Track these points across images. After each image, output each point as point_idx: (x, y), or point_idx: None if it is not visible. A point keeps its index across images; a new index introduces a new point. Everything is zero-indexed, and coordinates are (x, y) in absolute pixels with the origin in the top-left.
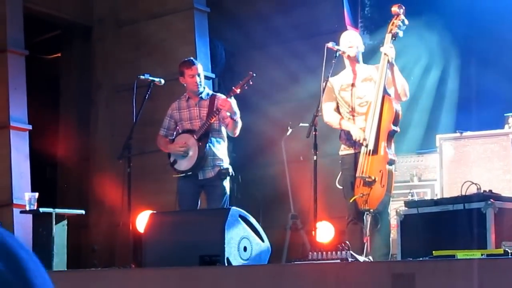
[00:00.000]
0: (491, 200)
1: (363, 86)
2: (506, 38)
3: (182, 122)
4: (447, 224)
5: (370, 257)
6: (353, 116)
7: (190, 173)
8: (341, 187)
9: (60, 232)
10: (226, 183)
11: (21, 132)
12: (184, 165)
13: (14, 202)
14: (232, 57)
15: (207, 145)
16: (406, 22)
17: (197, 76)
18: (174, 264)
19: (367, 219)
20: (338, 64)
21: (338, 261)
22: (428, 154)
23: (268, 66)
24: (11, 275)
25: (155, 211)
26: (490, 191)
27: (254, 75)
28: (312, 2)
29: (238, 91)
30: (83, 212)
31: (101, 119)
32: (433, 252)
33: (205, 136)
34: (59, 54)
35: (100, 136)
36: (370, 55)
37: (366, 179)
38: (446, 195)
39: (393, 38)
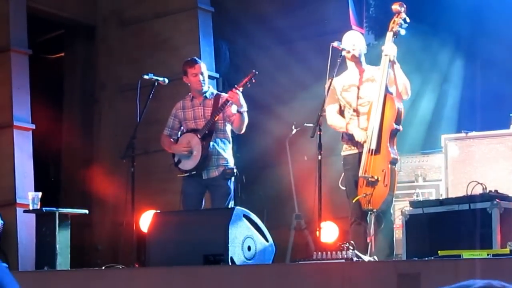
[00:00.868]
0: (497, 200)
1: (365, 86)
2: None
3: (187, 121)
4: (453, 224)
5: (375, 257)
6: (356, 116)
7: (194, 172)
8: (344, 188)
9: (63, 231)
10: (231, 183)
11: (25, 132)
12: (188, 164)
13: (18, 201)
14: (236, 57)
15: (211, 144)
16: (408, 20)
17: (200, 75)
18: (178, 264)
19: (371, 219)
20: (340, 65)
21: (343, 261)
22: (433, 154)
23: (272, 66)
24: None
25: (158, 211)
26: (496, 191)
27: (257, 73)
28: (317, 2)
29: (240, 89)
30: (86, 211)
31: (105, 118)
32: (439, 252)
33: (209, 135)
34: (63, 54)
35: (104, 135)
36: (375, 55)
37: (369, 179)
38: (451, 195)
39: (395, 36)
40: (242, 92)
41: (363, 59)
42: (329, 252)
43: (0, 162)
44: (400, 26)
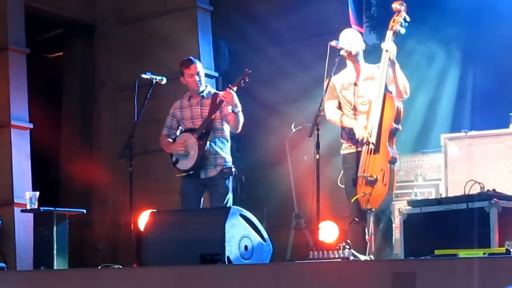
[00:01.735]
0: (495, 199)
1: (364, 84)
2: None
3: (184, 121)
4: (451, 223)
5: (372, 256)
6: (355, 115)
7: (192, 172)
8: (343, 186)
9: (61, 231)
10: (229, 182)
11: (22, 131)
12: (186, 164)
13: (15, 201)
14: (235, 56)
15: (209, 144)
16: (408, 19)
17: (196, 75)
18: (174, 263)
19: (369, 218)
20: (339, 63)
21: (339, 260)
22: (432, 154)
23: (272, 65)
24: None
25: (155, 210)
26: (494, 190)
27: (250, 72)
28: (317, 2)
29: (235, 88)
30: (84, 211)
31: (104, 118)
32: (435, 251)
33: (205, 134)
34: (62, 53)
35: (103, 135)
36: (377, 54)
37: (368, 178)
38: (451, 194)
39: (395, 35)
40: (240, 91)
41: (361, 57)
42: (325, 252)
43: None
44: (400, 25)
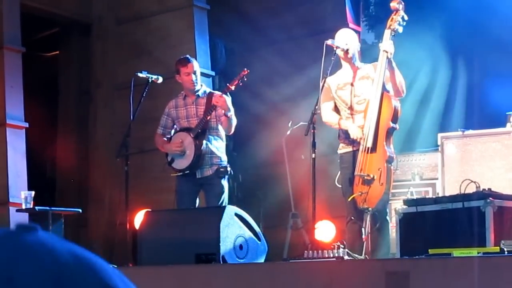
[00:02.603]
0: (490, 198)
1: (360, 84)
2: (509, 37)
3: (179, 120)
4: (446, 222)
5: (367, 256)
6: (352, 114)
7: (188, 171)
8: (340, 186)
9: (57, 230)
10: (225, 182)
11: (18, 130)
12: (181, 164)
13: (10, 200)
14: (232, 55)
15: (204, 143)
16: (406, 17)
17: (192, 74)
18: (169, 262)
19: (366, 218)
20: (335, 63)
21: (334, 259)
22: (429, 153)
23: (269, 64)
24: None
25: (150, 209)
26: (490, 189)
27: (248, 71)
28: (314, 1)
29: (232, 88)
30: (79, 210)
31: (100, 117)
32: (429, 250)
33: (202, 134)
34: (58, 52)
35: (99, 134)
36: (375, 53)
37: (365, 177)
38: (448, 194)
39: (392, 34)
40: (237, 90)
41: (357, 57)
42: (320, 251)
43: None
44: (398, 24)
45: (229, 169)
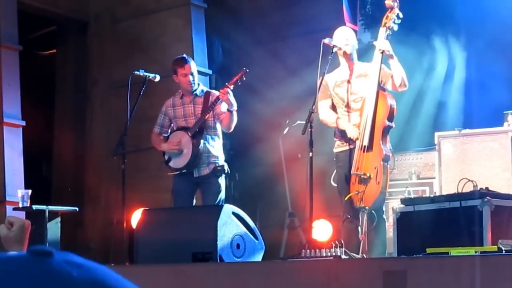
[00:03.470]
0: (488, 197)
1: (357, 82)
2: (507, 36)
3: (177, 119)
4: (444, 221)
5: (364, 255)
6: (348, 112)
7: (185, 170)
8: (336, 185)
9: (53, 229)
10: (222, 180)
11: (15, 128)
12: (178, 162)
13: (7, 199)
14: (229, 54)
15: (202, 142)
16: (401, 15)
17: (190, 75)
18: (166, 261)
19: (363, 216)
20: (332, 61)
21: (331, 258)
22: (426, 152)
23: (266, 63)
24: None
25: (147, 208)
26: (487, 188)
27: (247, 71)
28: None
29: (231, 87)
30: (76, 209)
31: (97, 115)
32: (427, 249)
33: (199, 133)
34: (55, 50)
35: (95, 133)
36: (371, 52)
37: (362, 176)
38: (445, 193)
39: (388, 32)
40: (235, 89)
41: (354, 55)
42: (317, 250)
43: None
44: (393, 21)
45: (226, 168)
